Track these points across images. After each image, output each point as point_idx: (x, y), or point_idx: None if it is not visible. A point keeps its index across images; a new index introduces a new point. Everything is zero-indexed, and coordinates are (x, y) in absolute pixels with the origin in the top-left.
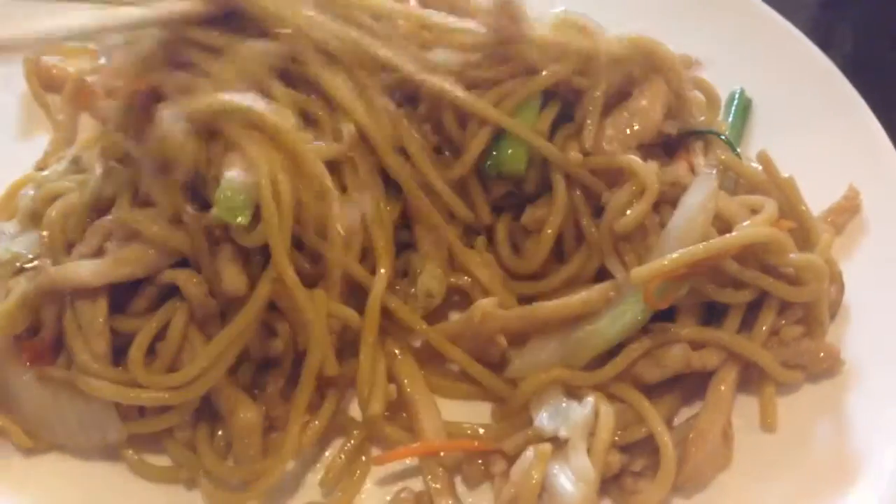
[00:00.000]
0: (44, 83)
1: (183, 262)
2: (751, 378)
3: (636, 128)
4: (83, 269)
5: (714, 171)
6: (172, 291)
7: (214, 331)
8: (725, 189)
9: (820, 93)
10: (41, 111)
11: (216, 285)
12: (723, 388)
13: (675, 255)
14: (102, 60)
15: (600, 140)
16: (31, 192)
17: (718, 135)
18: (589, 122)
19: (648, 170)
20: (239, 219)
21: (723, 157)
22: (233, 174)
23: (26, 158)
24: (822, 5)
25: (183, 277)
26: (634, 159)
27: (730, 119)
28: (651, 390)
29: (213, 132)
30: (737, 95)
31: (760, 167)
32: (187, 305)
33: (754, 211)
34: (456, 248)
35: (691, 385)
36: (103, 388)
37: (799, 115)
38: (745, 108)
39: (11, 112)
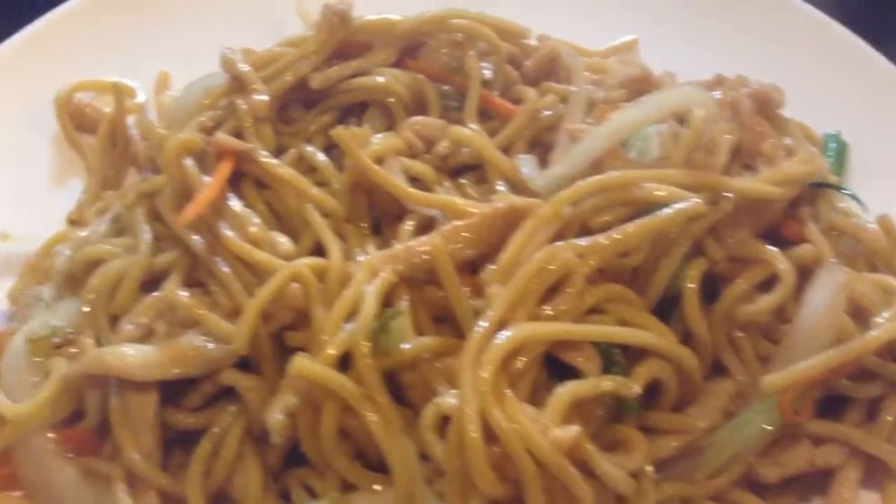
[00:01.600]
0: (76, 123)
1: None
2: (872, 472)
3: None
4: (132, 360)
5: (840, 264)
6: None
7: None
8: (841, 255)
9: None
10: (74, 153)
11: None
12: (846, 494)
13: (814, 361)
14: (142, 97)
15: None
16: (68, 252)
17: (839, 188)
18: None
19: (779, 256)
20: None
21: (836, 220)
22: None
23: (58, 206)
24: None
25: (246, 385)
26: (763, 246)
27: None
28: (766, 489)
29: None
30: (832, 139)
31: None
32: (245, 417)
33: (886, 292)
34: None
35: (808, 480)
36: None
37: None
38: (841, 153)
39: (42, 155)
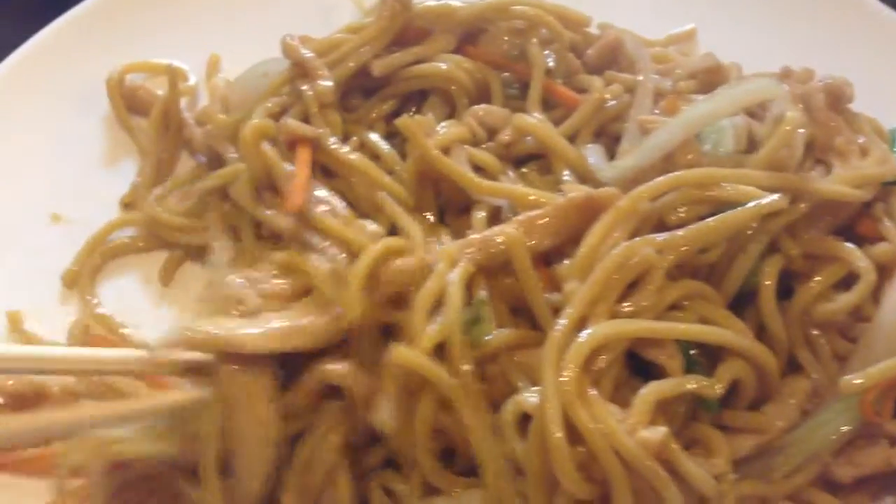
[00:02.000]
0: (129, 105)
1: None
2: None
3: None
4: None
5: None
6: None
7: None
8: None
9: None
10: (125, 136)
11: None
12: None
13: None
14: (192, 80)
15: None
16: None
17: None
18: None
19: (858, 254)
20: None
21: None
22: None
23: (110, 189)
24: None
25: (349, 381)
26: (840, 243)
27: None
28: (838, 487)
29: None
30: None
31: None
32: (342, 427)
33: None
34: None
35: (881, 479)
36: None
37: None
38: None
39: (94, 137)
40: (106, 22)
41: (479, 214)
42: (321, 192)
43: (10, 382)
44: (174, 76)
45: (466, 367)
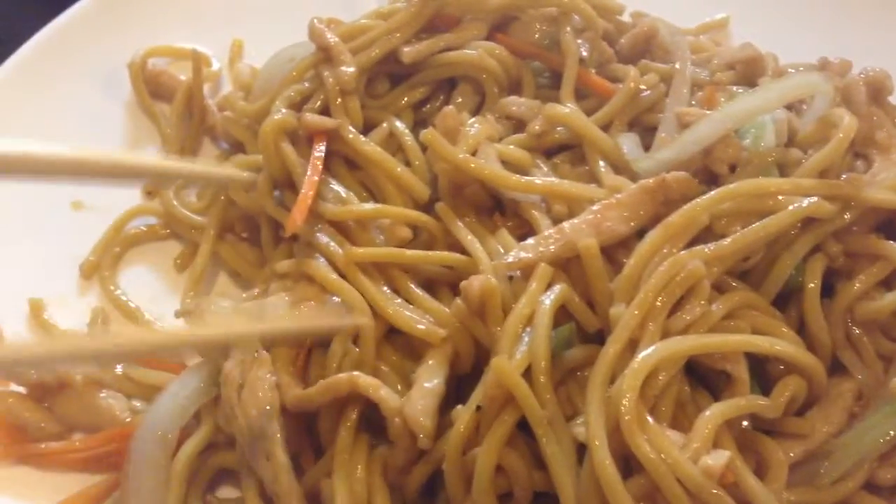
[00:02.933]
0: (151, 90)
1: None
2: None
3: None
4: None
5: None
6: None
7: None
8: None
9: None
10: (148, 121)
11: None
12: None
13: None
14: (216, 65)
15: None
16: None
17: None
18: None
19: None
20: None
21: None
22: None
23: None
24: None
25: (389, 406)
26: (883, 242)
27: None
28: (878, 489)
29: None
30: None
31: None
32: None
33: None
34: None
35: None
36: None
37: None
38: None
39: (115, 122)
40: (127, 5)
41: (535, 212)
42: (341, 191)
43: (33, 372)
44: (198, 61)
45: (551, 398)
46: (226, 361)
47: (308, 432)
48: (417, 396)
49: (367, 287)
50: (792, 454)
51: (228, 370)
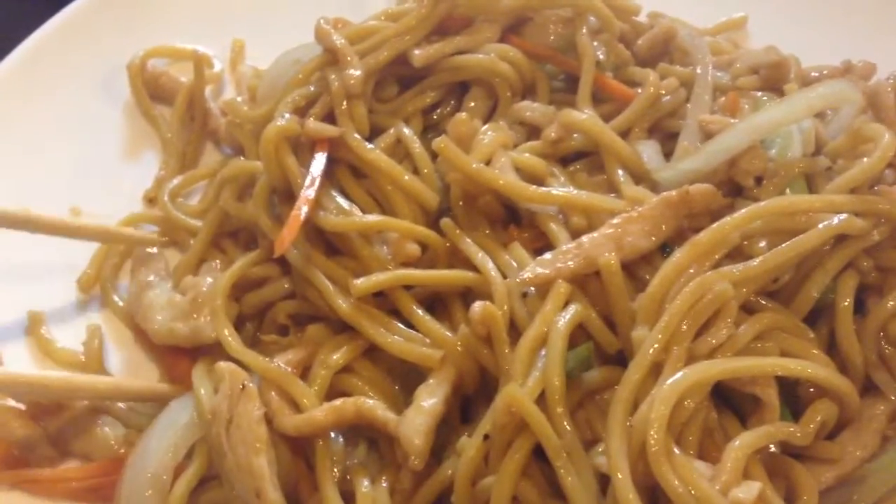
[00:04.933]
0: (150, 92)
1: None
2: None
3: None
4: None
5: None
6: None
7: None
8: None
9: None
10: (147, 125)
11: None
12: None
13: None
14: (218, 66)
15: None
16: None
17: None
18: None
19: None
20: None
21: None
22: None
23: (131, 181)
24: None
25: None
26: None
27: None
28: None
29: None
30: None
31: None
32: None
33: None
34: None
35: None
36: None
37: None
38: None
39: (114, 125)
40: (127, 4)
41: (554, 225)
42: (343, 203)
43: None
44: (200, 62)
45: (569, 426)
46: (214, 395)
47: (305, 458)
48: (413, 415)
49: (365, 327)
50: (823, 479)
51: (216, 404)
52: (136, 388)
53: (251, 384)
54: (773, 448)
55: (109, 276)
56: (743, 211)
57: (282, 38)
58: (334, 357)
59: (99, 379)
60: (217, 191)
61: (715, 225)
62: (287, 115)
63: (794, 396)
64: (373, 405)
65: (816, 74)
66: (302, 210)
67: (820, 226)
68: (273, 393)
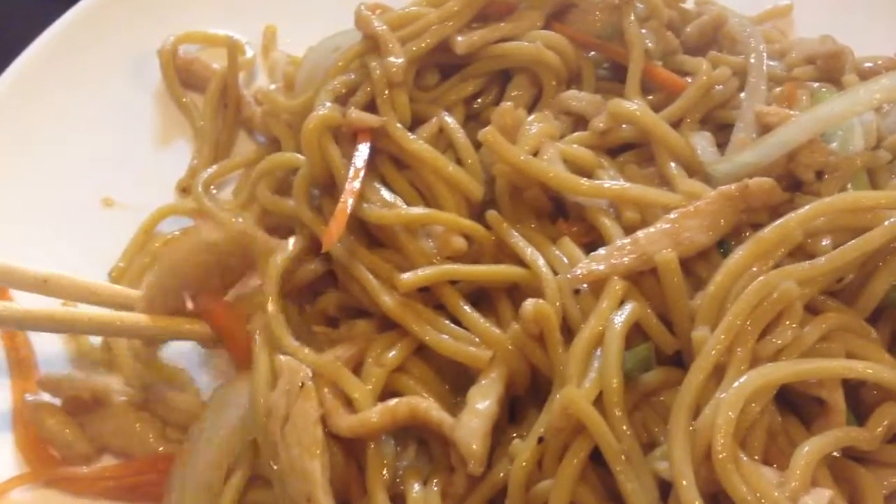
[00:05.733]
0: (182, 79)
1: None
2: None
3: None
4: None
5: None
6: None
7: None
8: None
9: None
10: (179, 112)
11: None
12: None
13: None
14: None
15: None
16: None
17: None
18: None
19: None
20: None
21: None
22: None
23: (163, 170)
24: None
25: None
26: None
27: None
28: None
29: None
30: None
31: None
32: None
33: None
34: None
35: None
36: None
37: None
38: None
39: (145, 113)
40: None
41: (607, 221)
42: (387, 195)
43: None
44: (234, 49)
45: (628, 429)
46: (271, 392)
47: (356, 460)
48: (468, 419)
49: (411, 324)
50: (886, 483)
51: (274, 401)
52: (162, 326)
53: (311, 382)
54: (835, 452)
55: (136, 274)
56: (807, 207)
57: (314, 24)
58: (389, 355)
59: (121, 315)
60: (253, 187)
61: (779, 221)
62: (328, 104)
63: (856, 398)
64: (427, 406)
65: (871, 65)
66: (348, 203)
67: (886, 223)
68: (326, 390)
